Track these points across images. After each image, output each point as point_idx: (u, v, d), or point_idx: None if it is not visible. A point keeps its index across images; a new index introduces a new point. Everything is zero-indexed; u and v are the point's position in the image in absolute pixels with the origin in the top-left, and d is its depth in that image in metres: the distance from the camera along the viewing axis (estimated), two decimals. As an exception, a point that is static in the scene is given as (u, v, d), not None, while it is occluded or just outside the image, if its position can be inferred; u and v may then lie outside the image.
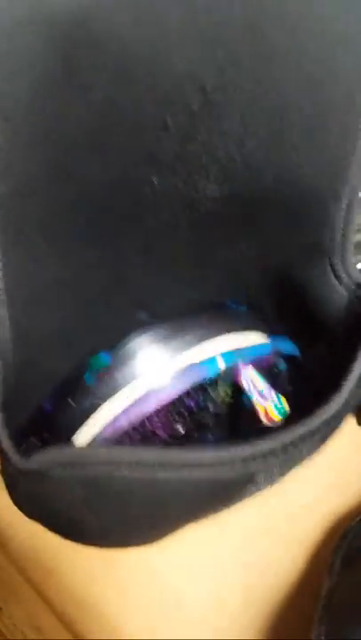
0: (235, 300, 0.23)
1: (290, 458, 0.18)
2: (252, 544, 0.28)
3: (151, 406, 0.19)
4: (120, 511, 0.18)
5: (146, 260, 0.21)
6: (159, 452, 0.16)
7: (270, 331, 0.25)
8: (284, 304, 0.25)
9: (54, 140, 0.14)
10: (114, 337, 0.22)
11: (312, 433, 0.18)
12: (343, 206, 0.19)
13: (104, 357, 0.20)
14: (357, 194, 0.19)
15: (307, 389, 0.26)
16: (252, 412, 0.22)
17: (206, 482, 0.17)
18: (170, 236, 0.18)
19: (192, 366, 0.20)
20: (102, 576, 0.27)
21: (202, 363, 0.20)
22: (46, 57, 0.12)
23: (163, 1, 0.13)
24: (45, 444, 0.21)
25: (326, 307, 0.23)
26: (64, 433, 0.20)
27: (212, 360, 0.20)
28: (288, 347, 0.23)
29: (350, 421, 0.34)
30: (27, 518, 0.19)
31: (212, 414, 0.23)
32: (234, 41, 0.14)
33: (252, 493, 0.19)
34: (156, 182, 0.16)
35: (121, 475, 0.16)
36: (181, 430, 0.24)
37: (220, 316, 0.22)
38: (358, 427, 0.33)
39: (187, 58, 0.14)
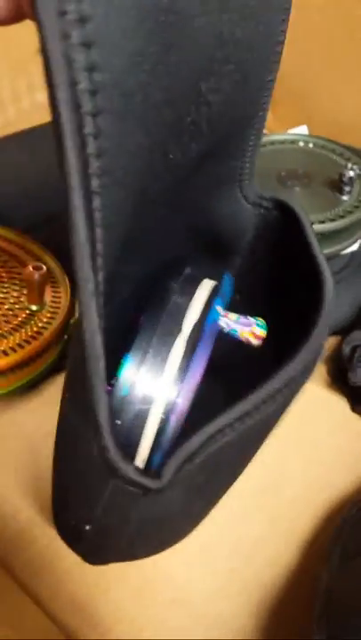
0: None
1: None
2: (248, 532, 0.30)
3: (198, 373, 0.20)
4: (234, 466, 0.19)
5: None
6: (255, 395, 0.17)
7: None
8: (199, 244, 0.27)
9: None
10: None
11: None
12: (254, 133, 0.21)
13: (125, 360, 0.19)
14: (265, 119, 0.21)
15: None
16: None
17: (294, 391, 0.19)
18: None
19: (204, 327, 0.21)
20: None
21: (209, 318, 0.21)
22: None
23: None
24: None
25: (237, 224, 0.25)
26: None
27: (213, 311, 0.21)
28: (229, 276, 0.25)
29: (345, 409, 0.37)
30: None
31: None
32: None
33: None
34: (171, 155, 0.16)
35: (228, 438, 0.17)
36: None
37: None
38: (353, 414, 0.36)
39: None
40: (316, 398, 0.37)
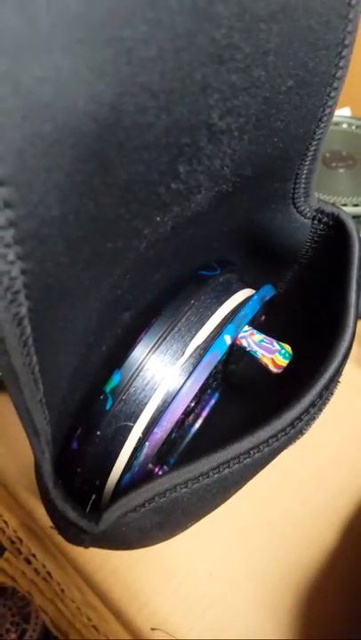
0: (205, 266, 0.23)
1: (329, 394, 0.19)
2: (287, 516, 0.30)
3: (179, 410, 0.19)
4: (191, 513, 0.19)
5: (134, 272, 0.19)
6: (218, 454, 0.16)
7: (242, 278, 0.25)
8: (250, 250, 0.25)
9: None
10: (111, 350, 0.20)
11: (338, 369, 0.19)
12: (308, 161, 0.18)
13: (115, 377, 0.19)
14: (322, 146, 0.18)
15: (278, 314, 0.27)
16: (249, 364, 0.23)
17: (266, 454, 0.17)
18: (155, 247, 0.17)
19: (203, 354, 0.19)
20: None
21: (211, 348, 0.19)
22: (77, 165, 0.11)
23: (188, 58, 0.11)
24: (81, 478, 0.20)
25: (291, 237, 0.23)
26: (99, 463, 0.20)
27: (220, 341, 0.19)
28: (269, 291, 0.23)
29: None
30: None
31: (209, 385, 0.24)
32: (243, 58, 0.12)
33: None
34: (159, 219, 0.15)
35: (195, 487, 0.16)
36: (196, 409, 0.25)
37: (202, 290, 0.21)
38: None
39: (193, 102, 0.12)
40: (354, 381, 0.35)
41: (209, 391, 0.26)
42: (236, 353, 0.23)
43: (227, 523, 0.29)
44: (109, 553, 0.28)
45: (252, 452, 0.17)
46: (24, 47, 0.08)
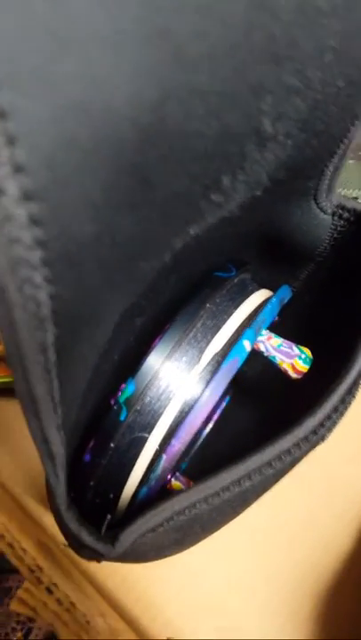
0: (220, 267, 0.22)
1: (351, 397, 0.18)
2: (304, 521, 0.29)
3: (198, 421, 0.18)
4: (210, 526, 0.18)
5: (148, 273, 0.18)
6: (239, 467, 0.16)
7: (255, 278, 0.24)
8: (263, 249, 0.24)
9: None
10: (122, 357, 0.20)
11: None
12: (336, 158, 0.17)
13: (130, 387, 0.18)
14: (348, 145, 0.17)
15: (292, 314, 0.26)
16: (268, 368, 0.22)
17: (287, 463, 0.17)
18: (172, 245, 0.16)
19: (222, 362, 0.19)
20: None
21: (230, 355, 0.18)
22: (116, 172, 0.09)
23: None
24: (94, 491, 0.19)
25: (309, 234, 0.22)
26: (113, 476, 0.19)
27: (238, 347, 0.19)
28: (287, 292, 0.22)
29: None
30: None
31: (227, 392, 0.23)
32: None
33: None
34: (192, 232, 0.14)
35: (215, 502, 0.15)
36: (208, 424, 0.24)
37: (217, 293, 0.20)
38: None
39: (245, 106, 0.11)
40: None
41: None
42: (253, 357, 0.22)
43: (243, 530, 0.29)
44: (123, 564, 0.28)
45: (273, 463, 0.16)
46: (55, 39, 0.07)
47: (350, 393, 0.17)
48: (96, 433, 0.19)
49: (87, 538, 0.15)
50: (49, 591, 0.34)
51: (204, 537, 0.20)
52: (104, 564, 0.28)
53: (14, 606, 0.38)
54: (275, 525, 0.29)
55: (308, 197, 0.20)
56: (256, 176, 0.14)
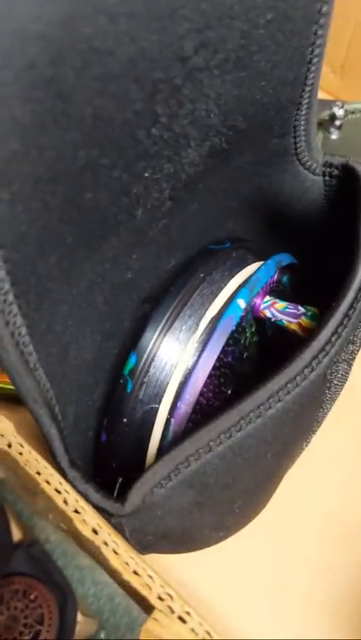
0: (215, 242, 0.22)
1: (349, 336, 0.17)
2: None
3: (200, 381, 0.18)
4: (230, 485, 0.17)
5: (140, 251, 0.19)
6: (235, 408, 0.15)
7: (257, 253, 0.24)
8: (265, 227, 0.24)
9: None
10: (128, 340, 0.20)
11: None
12: (303, 110, 0.18)
13: (132, 359, 0.19)
14: (316, 94, 0.17)
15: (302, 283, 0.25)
16: (280, 335, 0.22)
17: (293, 399, 0.16)
18: (155, 218, 0.17)
19: (218, 322, 0.19)
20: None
21: (225, 314, 0.19)
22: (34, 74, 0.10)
23: None
24: (119, 472, 0.19)
25: (304, 199, 0.22)
26: (131, 451, 0.19)
27: (233, 305, 0.19)
28: (286, 257, 0.22)
29: None
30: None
31: (247, 359, 0.23)
32: None
33: (333, 396, 0.18)
34: (147, 175, 0.14)
35: (219, 449, 0.15)
36: (228, 390, 0.24)
37: (212, 265, 0.21)
38: None
39: (160, 30, 0.12)
40: None
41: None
42: (261, 326, 0.22)
43: (293, 531, 0.27)
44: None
45: (271, 403, 0.15)
46: None
47: (342, 324, 0.17)
48: (107, 410, 0.19)
49: (94, 496, 0.15)
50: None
51: (232, 505, 0.19)
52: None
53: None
54: (325, 528, 0.28)
55: (291, 158, 0.20)
56: (200, 114, 0.14)
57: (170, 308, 0.19)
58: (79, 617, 0.46)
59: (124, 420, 0.19)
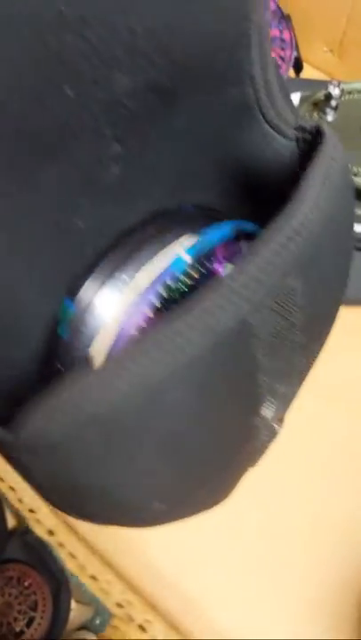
0: (180, 207, 0.22)
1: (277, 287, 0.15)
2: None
3: (132, 331, 0.18)
4: (150, 426, 0.16)
5: (92, 198, 0.19)
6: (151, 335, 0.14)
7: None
8: (231, 190, 0.24)
9: None
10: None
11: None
12: (255, 55, 0.17)
13: (68, 306, 0.19)
14: (266, 35, 0.17)
15: None
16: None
17: (206, 345, 0.14)
18: (102, 161, 0.16)
19: (158, 276, 0.18)
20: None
21: (169, 268, 0.18)
22: None
23: None
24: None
25: (277, 168, 0.21)
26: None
27: (177, 260, 0.18)
28: (249, 225, 0.22)
29: None
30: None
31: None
32: None
33: (263, 351, 0.16)
34: (71, 94, 0.14)
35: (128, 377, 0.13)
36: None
37: (168, 225, 0.21)
38: None
39: None
40: None
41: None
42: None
43: (284, 530, 0.27)
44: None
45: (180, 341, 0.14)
46: None
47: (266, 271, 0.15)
48: (43, 355, 0.19)
49: None
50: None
51: (155, 462, 0.17)
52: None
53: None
54: (319, 525, 0.28)
55: (254, 113, 0.19)
56: (116, 26, 0.13)
57: (114, 264, 0.19)
58: (73, 604, 0.46)
59: (58, 365, 0.19)
